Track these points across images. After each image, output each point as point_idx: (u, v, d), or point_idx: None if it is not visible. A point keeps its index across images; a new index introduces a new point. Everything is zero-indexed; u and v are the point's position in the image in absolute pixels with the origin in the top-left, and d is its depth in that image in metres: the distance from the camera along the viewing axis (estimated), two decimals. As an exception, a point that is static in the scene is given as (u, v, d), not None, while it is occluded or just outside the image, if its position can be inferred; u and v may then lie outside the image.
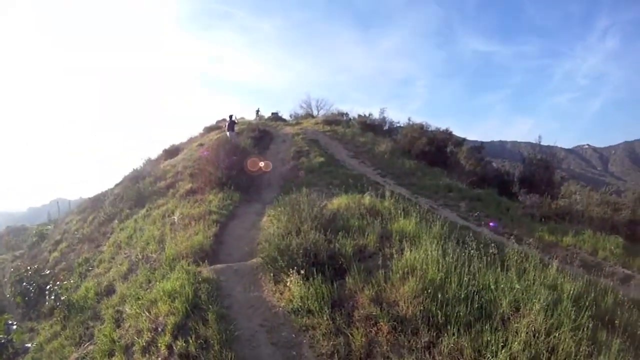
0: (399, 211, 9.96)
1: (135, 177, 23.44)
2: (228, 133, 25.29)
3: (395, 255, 7.58)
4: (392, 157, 23.16)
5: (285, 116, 40.72)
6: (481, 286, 6.31)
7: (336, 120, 33.16)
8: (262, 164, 18.17)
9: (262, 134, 28.00)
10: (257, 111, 38.66)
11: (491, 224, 14.60)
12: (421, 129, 26.89)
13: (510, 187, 21.98)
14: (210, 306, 7.15)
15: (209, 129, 32.78)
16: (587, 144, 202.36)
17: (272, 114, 40.03)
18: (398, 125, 33.28)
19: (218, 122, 34.26)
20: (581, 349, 5.01)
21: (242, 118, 35.94)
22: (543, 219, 15.47)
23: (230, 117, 26.50)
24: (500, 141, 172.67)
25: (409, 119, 30.91)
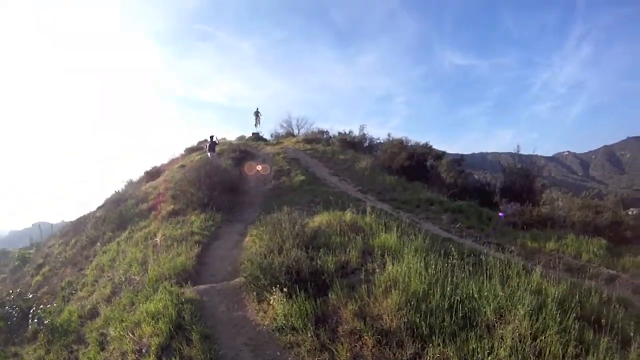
0: (380, 226, 10.01)
1: (117, 200, 23.25)
2: (209, 154, 25.43)
3: (377, 270, 7.61)
4: (373, 174, 23.23)
5: (266, 136, 40.76)
6: (464, 295, 6.33)
7: (316, 139, 33.32)
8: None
9: (243, 154, 27.94)
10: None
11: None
12: (401, 145, 27.16)
13: (491, 197, 22.17)
14: (194, 326, 7.08)
15: (190, 150, 32.73)
16: (567, 151, 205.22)
17: (253, 134, 39.95)
18: (378, 141, 33.74)
19: (199, 143, 34.25)
20: (568, 351, 5.08)
21: (224, 139, 35.96)
22: (525, 227, 15.63)
23: (211, 137, 26.60)
24: (481, 153, 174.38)
25: (389, 135, 31.28)
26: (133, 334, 7.66)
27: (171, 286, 9.04)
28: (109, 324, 9.18)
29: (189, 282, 9.48)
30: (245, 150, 28.92)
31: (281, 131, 41.26)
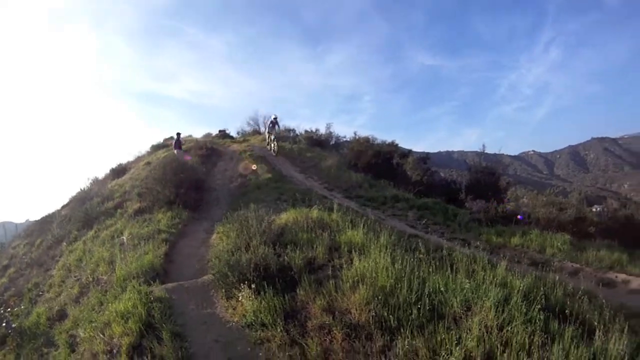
0: (347, 223, 10.10)
1: (83, 198, 22.90)
2: (175, 151, 25.29)
3: (344, 266, 7.68)
4: (339, 171, 23.35)
5: (233, 133, 40.67)
6: (431, 289, 6.46)
7: (283, 137, 33.28)
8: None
9: (210, 151, 27.85)
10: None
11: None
12: (367, 143, 27.32)
13: (457, 194, 22.49)
14: (164, 325, 7.05)
15: (156, 147, 32.48)
16: (533, 150, 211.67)
17: (220, 131, 39.84)
18: (344, 139, 33.97)
19: (165, 140, 34.05)
20: (534, 340, 5.20)
21: (190, 136, 35.82)
22: (490, 223, 15.91)
23: (178, 135, 26.52)
24: (447, 151, 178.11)
25: (355, 134, 31.33)
26: (103, 334, 7.55)
27: (140, 285, 8.96)
28: (78, 325, 9.07)
29: (157, 280, 9.41)
30: (211, 148, 28.79)
31: (248, 129, 41.17)
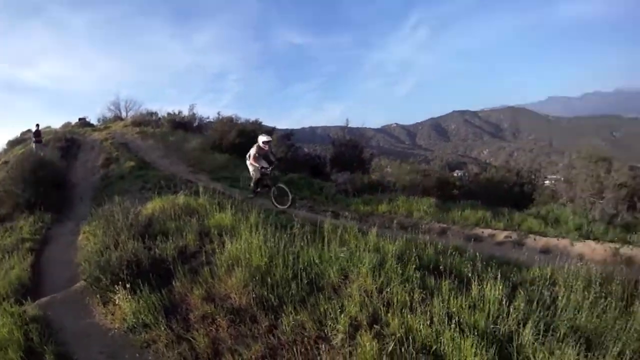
0: (215, 206, 10.06)
1: None
2: (34, 145, 24.02)
3: (217, 250, 7.64)
4: (204, 153, 23.40)
5: (94, 121, 38.94)
6: (306, 263, 6.64)
7: (145, 121, 32.99)
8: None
9: (70, 142, 26.85)
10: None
11: None
12: (231, 122, 27.51)
13: (322, 168, 23.38)
14: (45, 347, 6.55)
15: (12, 143, 30.59)
16: (396, 123, 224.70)
17: (80, 119, 38.01)
18: (208, 120, 33.74)
19: (23, 134, 31.95)
20: (414, 297, 5.51)
21: (49, 127, 33.83)
22: (357, 193, 16.64)
23: (37, 126, 25.10)
24: (311, 127, 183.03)
25: (219, 114, 31.35)
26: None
27: (11, 306, 8.16)
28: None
29: (28, 297, 8.67)
30: (71, 139, 27.74)
31: (109, 115, 39.64)
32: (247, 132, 25.38)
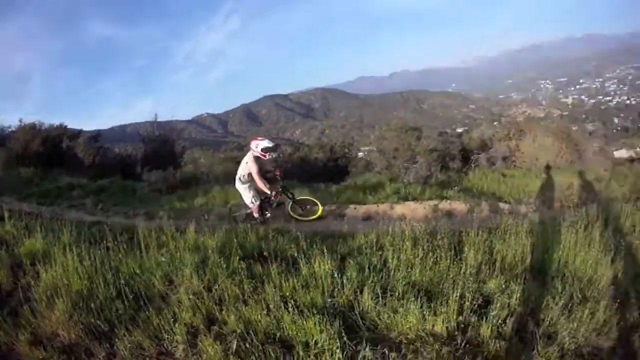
0: (23, 231, 8.91)
1: None
2: None
3: (33, 283, 6.80)
4: (7, 169, 21.11)
5: None
6: (128, 276, 6.25)
7: None
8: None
9: None
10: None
11: None
12: (33, 129, 25.09)
13: (133, 169, 22.69)
14: None
15: None
16: (207, 113, 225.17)
17: None
18: (10, 130, 31.05)
19: None
20: (245, 288, 5.47)
21: None
22: (171, 190, 16.38)
23: None
24: (120, 126, 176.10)
25: (20, 121, 28.89)
26: None
27: None
28: None
29: None
30: None
31: None
32: (52, 138, 23.63)
